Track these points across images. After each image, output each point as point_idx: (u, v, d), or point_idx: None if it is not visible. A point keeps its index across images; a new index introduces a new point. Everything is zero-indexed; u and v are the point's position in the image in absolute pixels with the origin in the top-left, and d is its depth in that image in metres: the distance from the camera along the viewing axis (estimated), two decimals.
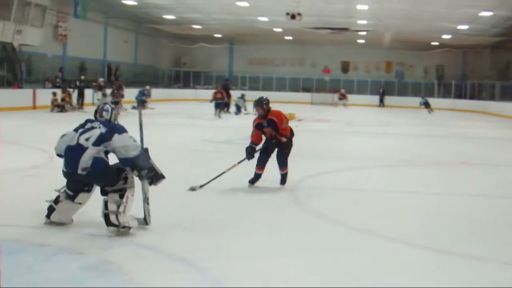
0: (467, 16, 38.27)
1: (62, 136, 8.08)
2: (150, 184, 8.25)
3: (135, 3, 40.93)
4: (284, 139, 11.57)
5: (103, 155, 7.80)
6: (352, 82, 58.26)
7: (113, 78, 46.28)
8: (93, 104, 34.13)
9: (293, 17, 36.86)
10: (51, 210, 7.94)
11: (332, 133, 25.62)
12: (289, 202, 10.47)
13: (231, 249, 7.33)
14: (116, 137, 7.83)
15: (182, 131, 24.22)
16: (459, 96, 54.66)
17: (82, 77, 37.14)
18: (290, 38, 57.36)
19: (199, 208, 9.68)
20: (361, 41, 56.23)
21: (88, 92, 35.62)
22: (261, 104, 11.58)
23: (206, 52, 60.43)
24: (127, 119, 28.59)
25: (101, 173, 7.73)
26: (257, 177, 11.79)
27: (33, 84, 35.22)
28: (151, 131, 23.78)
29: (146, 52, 56.92)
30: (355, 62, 61.45)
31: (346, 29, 47.67)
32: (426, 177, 14.25)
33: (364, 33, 50.13)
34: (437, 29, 45.22)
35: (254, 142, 11.68)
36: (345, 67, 61.80)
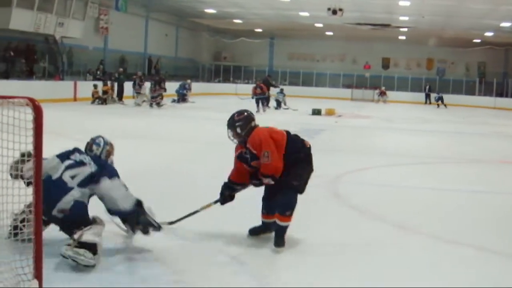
0: (510, 13, 37.74)
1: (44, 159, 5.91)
2: (145, 233, 6.81)
3: None
4: (267, 181, 7.34)
5: (86, 199, 6.57)
6: (392, 78, 57.76)
7: (154, 72, 46.43)
8: (133, 97, 34.29)
9: (334, 12, 36.68)
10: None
11: (372, 129, 25.41)
12: (329, 197, 10.38)
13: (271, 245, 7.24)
14: (104, 182, 6.53)
15: (223, 126, 24.11)
16: (500, 94, 53.91)
17: (121, 69, 37.26)
18: (331, 33, 57.14)
19: (236, 203, 9.60)
20: (403, 37, 55.76)
21: (128, 85, 35.77)
22: (233, 127, 7.92)
23: (246, 47, 60.33)
24: (168, 111, 28.82)
25: (77, 220, 6.30)
26: (262, 227, 7.76)
27: (74, 76, 35.45)
28: (192, 125, 24.01)
29: (186, 45, 57.01)
30: (396, 58, 60.93)
31: (387, 25, 47.33)
32: (466, 175, 14.11)
33: (406, 29, 49.75)
34: (480, 26, 44.62)
35: (232, 180, 7.76)
36: (385, 64, 61.33)
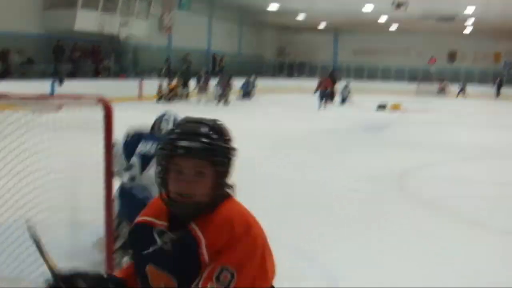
0: None
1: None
2: None
3: None
4: None
5: None
6: (458, 72, 56.87)
7: (218, 69, 46.59)
8: (196, 94, 34.48)
9: (398, 6, 36.40)
10: None
11: (439, 124, 25.03)
12: (397, 193, 10.28)
13: (344, 241, 7.20)
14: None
15: (287, 121, 24.14)
16: None
17: (184, 67, 37.48)
18: (395, 27, 56.60)
19: (305, 198, 9.57)
20: (468, 30, 54.95)
21: (192, 82, 36.05)
22: None
23: (310, 42, 60.12)
24: (233, 108, 28.89)
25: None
26: None
27: (139, 75, 35.72)
28: (258, 121, 24.01)
29: (250, 42, 57.08)
30: (462, 52, 59.96)
31: (452, 18, 46.69)
32: None
33: (472, 22, 49.00)
34: None
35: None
36: (451, 57, 60.42)
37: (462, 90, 45.31)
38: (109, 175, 4.81)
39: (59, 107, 4.83)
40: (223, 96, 32.90)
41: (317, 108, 31.10)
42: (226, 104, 32.34)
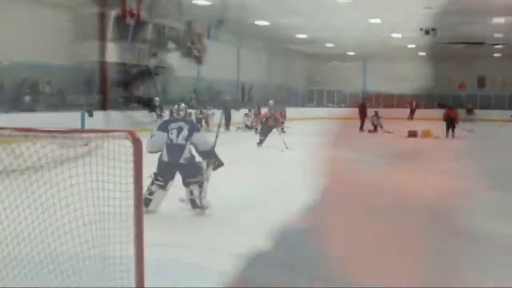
0: None
1: (152, 136, 10.87)
2: (214, 169, 10.68)
3: (267, 23, 41.14)
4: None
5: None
6: (489, 97, 56.47)
7: (247, 98, 46.74)
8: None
9: (427, 32, 36.29)
10: (148, 201, 10.09)
11: (470, 150, 24.74)
12: (431, 221, 10.14)
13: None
14: (195, 134, 10.62)
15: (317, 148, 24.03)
16: None
17: (228, 98, 37.32)
18: (424, 53, 56.48)
19: (355, 225, 9.48)
20: (498, 54, 54.69)
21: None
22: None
23: (339, 70, 60.12)
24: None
25: (193, 164, 10.59)
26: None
27: (168, 105, 35.79)
28: (289, 150, 23.96)
29: (279, 71, 57.17)
30: (491, 76, 59.57)
31: (481, 43, 46.48)
32: None
33: (501, 46, 48.77)
34: None
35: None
36: (481, 82, 60.03)
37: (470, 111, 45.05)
38: (139, 208, 4.77)
39: (88, 142, 4.83)
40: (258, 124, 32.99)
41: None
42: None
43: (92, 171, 5.08)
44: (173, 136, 10.42)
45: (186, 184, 10.52)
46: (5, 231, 5.18)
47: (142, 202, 4.82)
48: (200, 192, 10.40)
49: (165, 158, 10.37)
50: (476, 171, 17.16)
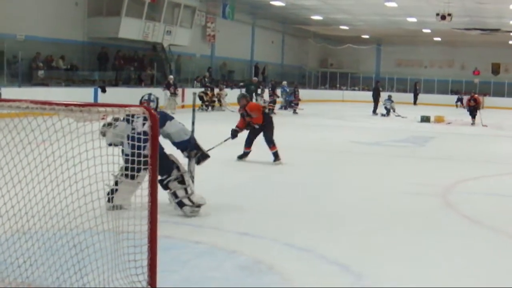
0: None
1: (114, 127, 8.66)
2: (197, 163, 9.33)
3: (282, 4, 41.03)
4: (257, 126, 14.29)
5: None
6: (503, 84, 56.15)
7: (260, 78, 46.73)
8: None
9: (443, 17, 36.02)
10: (112, 193, 7.91)
11: (483, 137, 24.62)
12: (441, 206, 10.12)
13: (386, 254, 7.11)
14: (168, 123, 8.95)
15: (330, 132, 24.05)
16: None
17: (255, 79, 37.12)
18: (439, 39, 56.28)
19: (350, 211, 9.48)
20: None
21: (235, 92, 36.17)
22: (243, 100, 14.57)
23: (353, 53, 59.90)
24: (279, 118, 28.85)
25: (162, 158, 7.75)
26: (245, 154, 14.67)
27: (182, 83, 35.79)
28: (300, 132, 23.95)
29: (292, 52, 57.10)
30: (506, 63, 59.30)
31: (497, 30, 46.21)
32: None
33: None
34: None
35: (238, 127, 14.37)
36: (495, 69, 59.75)
37: (460, 100, 44.75)
38: (154, 179, 4.77)
39: (104, 116, 4.83)
40: (270, 105, 32.97)
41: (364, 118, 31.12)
42: (272, 113, 32.36)
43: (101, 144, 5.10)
44: (137, 123, 8.33)
45: (164, 186, 8.62)
46: (19, 204, 5.19)
47: (156, 176, 4.78)
48: (186, 190, 8.69)
49: (127, 150, 7.69)
50: None
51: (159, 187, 5.76)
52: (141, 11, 32.32)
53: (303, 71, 58.67)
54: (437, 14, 36.04)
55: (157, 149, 4.79)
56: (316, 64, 62.63)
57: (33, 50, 27.85)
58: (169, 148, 8.97)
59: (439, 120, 31.05)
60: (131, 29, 31.99)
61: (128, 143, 7.73)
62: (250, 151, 14.55)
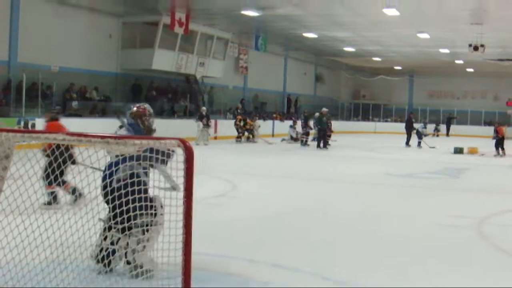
0: None
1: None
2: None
3: (315, 36, 41.09)
4: None
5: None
6: None
7: (293, 110, 46.78)
8: (272, 135, 34.58)
9: (475, 49, 35.83)
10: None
11: None
12: (476, 239, 10.01)
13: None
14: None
15: (363, 164, 23.91)
16: None
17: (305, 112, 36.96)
18: (471, 70, 56.01)
19: (385, 243, 9.40)
20: None
21: (266, 124, 36.32)
22: None
23: (385, 84, 59.81)
24: (313, 150, 28.82)
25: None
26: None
27: (215, 115, 35.93)
28: (333, 164, 23.89)
29: (325, 84, 57.11)
30: None
31: None
32: None
33: None
34: None
35: None
36: None
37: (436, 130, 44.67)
38: (189, 215, 4.76)
39: (140, 149, 4.85)
40: (304, 136, 33.00)
41: (396, 150, 31.03)
42: (305, 145, 32.34)
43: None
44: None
45: (121, 230, 6.43)
46: (55, 234, 5.23)
47: (191, 210, 4.78)
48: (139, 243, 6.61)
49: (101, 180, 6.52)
50: None
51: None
52: (175, 43, 32.57)
53: (336, 102, 58.63)
54: (470, 45, 35.88)
55: (192, 182, 4.74)
56: (348, 95, 62.62)
57: (67, 81, 28.15)
58: None
59: (473, 151, 30.78)
60: (164, 60, 32.25)
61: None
62: None
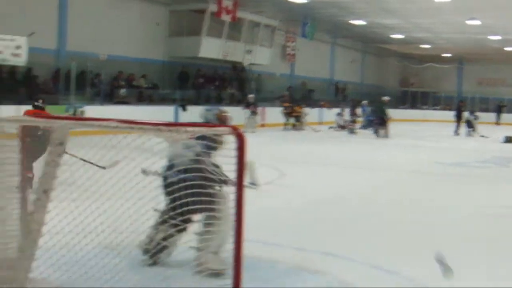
0: None
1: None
2: None
3: (363, 23, 40.88)
4: None
5: None
6: None
7: (340, 98, 46.58)
8: (319, 123, 34.50)
9: None
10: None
11: None
12: None
13: (470, 278, 6.94)
14: None
15: (412, 153, 23.71)
16: None
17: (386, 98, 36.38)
18: None
19: (434, 233, 9.31)
20: None
21: (314, 111, 36.19)
22: None
23: (434, 72, 59.17)
24: (360, 138, 28.70)
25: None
26: None
27: (262, 103, 35.95)
28: (381, 152, 23.73)
29: (372, 71, 56.82)
30: None
31: None
32: None
33: None
34: None
35: None
36: None
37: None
38: (240, 198, 4.76)
39: (191, 136, 4.87)
40: (352, 124, 32.87)
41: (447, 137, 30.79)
42: (352, 133, 32.18)
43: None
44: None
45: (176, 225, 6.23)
46: (108, 220, 5.29)
47: (243, 199, 4.78)
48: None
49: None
50: None
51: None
52: (221, 30, 32.63)
53: (383, 90, 58.15)
54: None
55: (244, 170, 4.71)
56: (396, 83, 62.04)
57: (115, 69, 28.39)
58: None
59: None
60: (211, 48, 32.32)
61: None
62: None
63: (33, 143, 9.90)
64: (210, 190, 6.25)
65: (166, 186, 6.22)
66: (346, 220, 10.00)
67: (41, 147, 9.35)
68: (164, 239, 6.21)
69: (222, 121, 7.12)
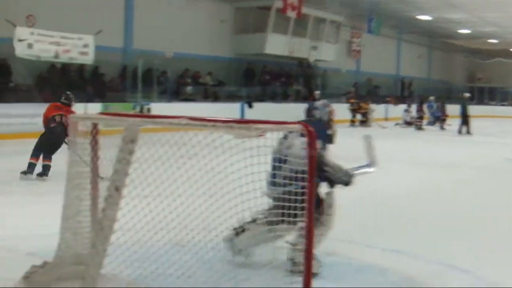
0: None
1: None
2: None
3: (430, 18, 40.50)
4: None
5: None
6: None
7: (407, 94, 46.21)
8: (385, 119, 34.30)
9: None
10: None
11: None
12: None
13: None
14: None
15: (480, 149, 23.32)
16: None
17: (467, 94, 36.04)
18: None
19: (507, 232, 9.14)
20: None
21: (379, 107, 35.99)
22: None
23: (502, 67, 58.17)
24: (427, 134, 28.39)
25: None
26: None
27: (328, 99, 35.75)
28: (448, 148, 23.44)
29: (439, 67, 56.19)
30: None
31: None
32: None
33: None
34: None
35: None
36: None
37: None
38: (310, 196, 4.74)
39: (262, 134, 4.86)
40: (418, 120, 32.59)
41: None
42: (420, 129, 31.92)
43: (260, 161, 5.05)
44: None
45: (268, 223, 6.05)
46: (179, 217, 5.33)
47: (313, 195, 4.75)
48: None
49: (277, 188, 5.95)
50: None
51: None
52: (287, 27, 32.64)
53: (450, 86, 57.48)
54: None
55: (314, 168, 4.68)
56: (463, 78, 61.21)
57: (181, 66, 28.64)
58: None
59: None
60: (277, 45, 32.36)
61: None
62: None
63: (48, 135, 11.08)
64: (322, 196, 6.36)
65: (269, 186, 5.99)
66: (413, 218, 9.88)
67: (57, 140, 11.84)
68: (258, 239, 6.06)
69: (331, 118, 7.18)
